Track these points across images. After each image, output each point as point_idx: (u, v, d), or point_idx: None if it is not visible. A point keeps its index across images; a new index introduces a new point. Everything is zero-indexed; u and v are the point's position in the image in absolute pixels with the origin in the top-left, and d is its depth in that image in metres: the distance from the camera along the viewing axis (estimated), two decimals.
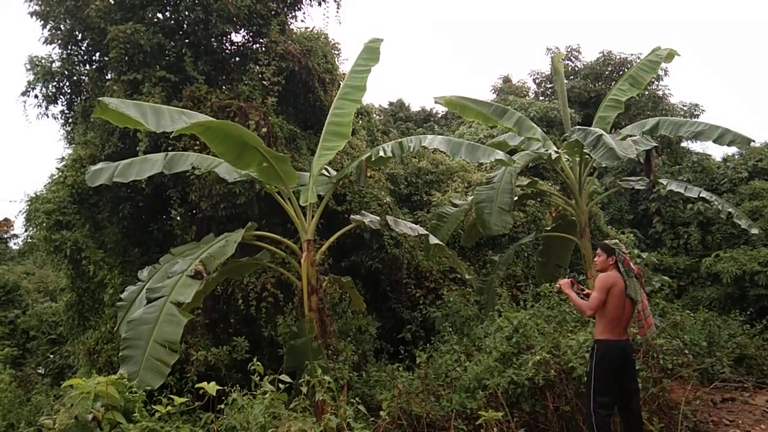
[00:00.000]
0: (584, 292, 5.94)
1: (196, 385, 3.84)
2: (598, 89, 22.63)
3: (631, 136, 9.69)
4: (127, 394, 3.81)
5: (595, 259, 5.46)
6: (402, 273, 11.40)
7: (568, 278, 5.57)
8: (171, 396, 4.74)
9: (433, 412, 6.11)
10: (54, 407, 3.83)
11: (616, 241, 5.72)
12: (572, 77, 23.79)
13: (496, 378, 6.24)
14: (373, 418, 4.48)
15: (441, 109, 26.94)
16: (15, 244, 33.81)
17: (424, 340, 10.08)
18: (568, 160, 10.25)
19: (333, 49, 11.47)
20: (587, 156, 9.62)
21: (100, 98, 5.55)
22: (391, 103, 27.60)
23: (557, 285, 5.58)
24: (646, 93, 22.14)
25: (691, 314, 10.03)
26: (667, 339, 7.27)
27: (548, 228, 11.73)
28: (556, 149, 9.87)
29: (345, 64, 11.77)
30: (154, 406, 3.71)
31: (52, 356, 16.72)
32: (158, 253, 10.04)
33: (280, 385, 3.91)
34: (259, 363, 4.10)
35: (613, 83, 23.57)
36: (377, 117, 15.79)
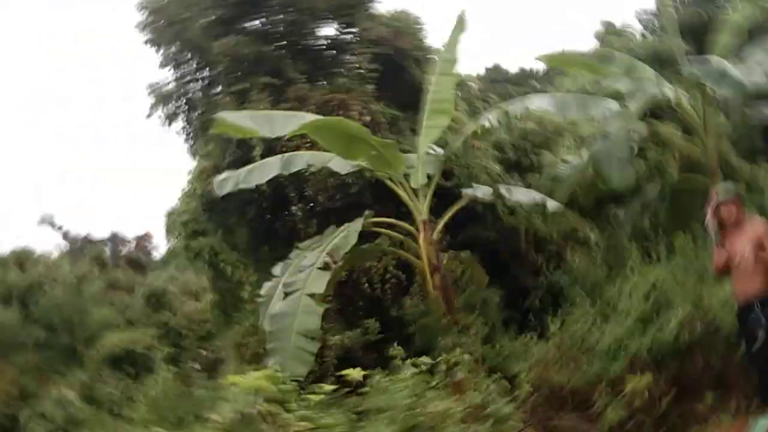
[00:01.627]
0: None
1: (340, 372, 4.07)
2: (710, 12, 20.55)
3: (753, 57, 8.76)
4: (282, 385, 4.11)
5: (727, 211, 4.73)
6: (520, 241, 11.19)
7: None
8: (316, 383, 5.07)
9: (574, 379, 6.02)
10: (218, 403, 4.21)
11: (729, 184, 5.03)
12: (677, 5, 21.77)
13: (637, 339, 6.00)
14: (516, 392, 4.51)
15: (540, 67, 25.85)
16: (158, 254, 37.22)
17: (552, 307, 9.88)
18: (688, 97, 9.47)
19: (419, 25, 11.37)
20: (709, 90, 8.85)
21: (217, 114, 5.97)
22: (487, 69, 26.93)
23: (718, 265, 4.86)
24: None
25: None
26: None
27: (673, 175, 10.95)
28: (670, 87, 9.15)
29: (433, 38, 11.64)
30: (308, 395, 3.98)
31: (204, 352, 18.31)
32: (285, 248, 10.62)
33: (422, 366, 4.05)
34: (399, 347, 4.25)
35: (727, 3, 21.37)
36: (474, 85, 15.46)
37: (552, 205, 7.70)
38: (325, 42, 10.87)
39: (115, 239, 35.45)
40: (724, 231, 4.86)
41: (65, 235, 33.79)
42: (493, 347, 7.64)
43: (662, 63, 16.12)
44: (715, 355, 5.79)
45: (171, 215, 11.12)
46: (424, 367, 4.03)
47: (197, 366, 17.11)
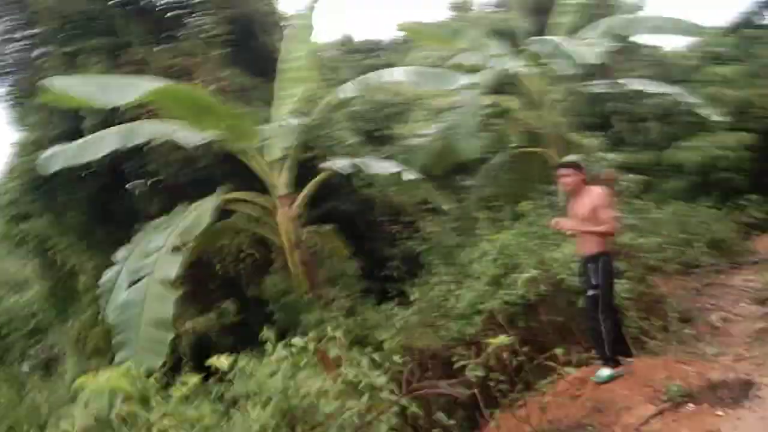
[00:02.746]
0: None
1: (207, 362, 3.76)
2: None
3: (585, 39, 9.60)
4: (138, 382, 3.71)
5: (564, 181, 5.14)
6: (376, 212, 11.35)
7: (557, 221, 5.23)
8: (170, 374, 4.68)
9: (434, 344, 6.21)
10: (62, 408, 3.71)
11: (572, 156, 5.53)
12: None
13: (490, 301, 6.33)
14: (386, 363, 4.50)
15: (388, 38, 26.14)
16: None
17: (409, 275, 10.17)
18: (527, 72, 10.12)
19: None
20: (545, 66, 9.51)
21: (43, 81, 5.16)
22: (336, 40, 26.65)
23: (563, 227, 5.23)
24: None
25: (661, 208, 10.30)
26: (646, 237, 7.46)
27: (514, 145, 11.73)
28: (514, 63, 9.71)
29: (284, 3, 11.23)
30: (171, 390, 3.64)
31: (34, 351, 16.42)
32: (124, 230, 9.71)
33: (294, 346, 3.87)
34: (266, 329, 4.03)
35: None
36: (326, 54, 15.24)
37: (407, 175, 7.80)
38: (168, 1, 9.94)
39: None
40: (568, 197, 5.26)
41: None
42: (356, 319, 7.66)
43: (505, 37, 17.14)
44: (558, 311, 6.29)
45: None
46: (294, 349, 3.85)
47: (26, 368, 15.28)
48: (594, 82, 10.91)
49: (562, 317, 6.24)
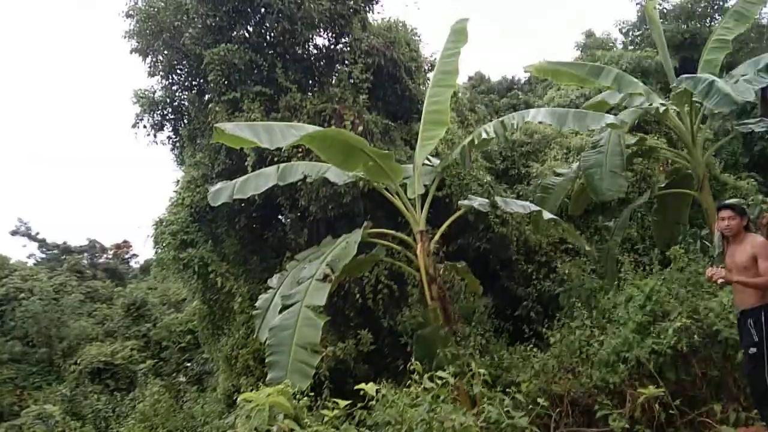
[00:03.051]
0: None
1: (356, 387, 4.02)
2: (692, 29, 21.08)
3: (743, 75, 9.00)
4: (294, 401, 4.05)
5: (725, 224, 4.85)
6: (511, 250, 11.28)
7: (711, 270, 4.83)
8: (310, 396, 5.01)
9: (574, 390, 6.04)
10: (230, 421, 4.13)
11: (742, 200, 5.18)
12: (661, 20, 22.29)
13: (636, 349, 6.05)
14: (530, 406, 4.50)
15: (523, 76, 26.15)
16: (136, 263, 36.66)
17: (542, 316, 9.94)
18: (677, 111, 9.67)
19: (414, 36, 11.45)
20: (698, 104, 9.03)
21: (217, 125, 5.89)
22: (470, 78, 27.13)
23: (714, 278, 4.76)
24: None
25: None
26: None
27: (661, 185, 11.14)
28: (662, 102, 9.33)
29: (426, 48, 11.74)
30: (322, 411, 3.93)
31: (189, 364, 18.02)
32: (275, 258, 10.57)
33: (439, 380, 4.02)
34: (418, 362, 4.22)
35: (708, 20, 21.87)
36: (461, 94, 15.60)
37: (547, 215, 7.74)
38: (318, 51, 10.86)
39: (93, 248, 34.81)
40: (726, 243, 4.97)
41: (41, 244, 33.09)
42: (491, 358, 7.65)
43: (647, 75, 16.50)
44: (713, 365, 5.87)
45: (159, 225, 10.96)
46: (439, 381, 3.99)
47: (183, 378, 16.82)
48: (751, 120, 10.14)
49: (718, 371, 5.82)
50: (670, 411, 4.75)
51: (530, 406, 4.45)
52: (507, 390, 4.17)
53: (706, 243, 8.50)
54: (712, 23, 20.68)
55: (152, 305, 25.30)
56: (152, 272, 29.74)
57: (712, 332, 5.88)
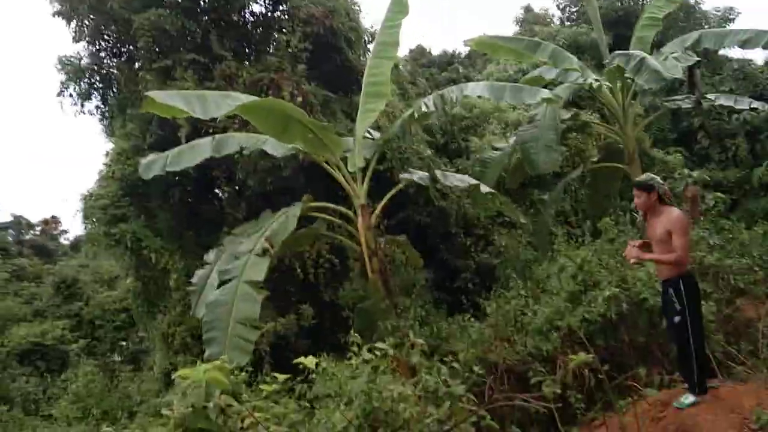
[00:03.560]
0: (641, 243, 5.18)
1: (294, 361, 3.98)
2: (625, 6, 21.63)
3: (672, 53, 9.34)
4: (232, 377, 3.97)
5: (635, 201, 5.03)
6: (451, 224, 11.44)
7: (632, 242, 5.05)
8: (251, 371, 4.94)
9: (509, 358, 6.22)
10: (167, 400, 4.02)
11: (648, 174, 5.33)
12: None
13: (567, 318, 6.27)
14: (467, 374, 4.59)
15: (463, 50, 26.25)
16: (65, 239, 35.06)
17: (480, 287, 10.18)
18: (609, 87, 9.95)
19: (353, 5, 11.24)
20: (629, 80, 9.32)
21: (147, 93, 5.62)
22: (410, 50, 26.98)
23: (629, 258, 5.00)
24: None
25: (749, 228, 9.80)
26: (735, 258, 7.15)
27: (594, 160, 11.52)
28: (596, 77, 9.57)
29: (367, 19, 11.56)
30: (261, 385, 3.88)
31: (124, 343, 17.49)
32: (211, 233, 10.30)
33: (378, 352, 4.03)
34: (356, 335, 4.21)
35: None
36: (402, 67, 15.52)
37: (485, 189, 7.86)
38: (255, 18, 10.51)
39: (19, 224, 32.97)
40: (646, 217, 5.12)
41: None
42: (431, 329, 7.77)
43: (582, 51, 16.88)
44: (639, 332, 6.16)
45: (88, 199, 10.45)
46: (378, 353, 4.00)
47: (118, 358, 16.32)
48: (679, 97, 10.57)
49: (644, 338, 6.11)
50: (599, 376, 4.93)
51: (467, 374, 4.54)
52: (444, 359, 4.23)
53: (636, 215, 8.86)
54: (645, 1, 21.29)
55: (84, 283, 24.30)
56: (83, 249, 28.56)
57: (639, 300, 6.15)
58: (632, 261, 5.07)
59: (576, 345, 6.03)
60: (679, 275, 4.79)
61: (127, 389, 10.96)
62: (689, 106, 10.17)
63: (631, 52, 8.57)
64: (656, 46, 10.88)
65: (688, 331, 4.75)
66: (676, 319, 4.85)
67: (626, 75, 8.78)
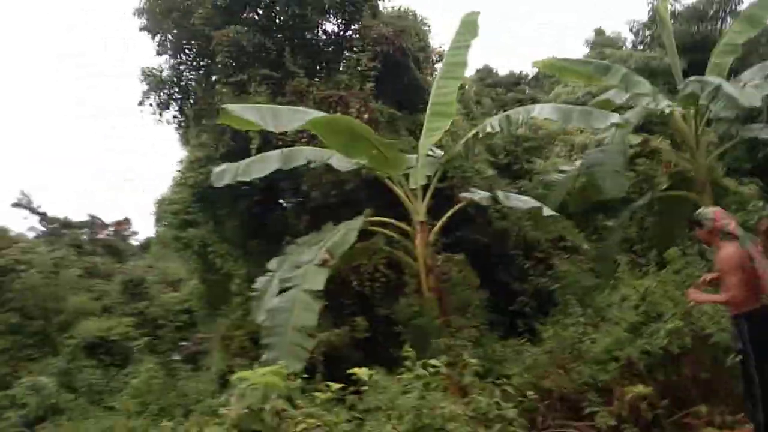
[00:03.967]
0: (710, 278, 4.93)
1: (348, 371, 4.08)
2: (702, 31, 20.92)
3: (751, 81, 8.99)
4: (288, 382, 4.11)
5: (697, 234, 4.90)
6: (510, 245, 11.33)
7: (706, 276, 4.90)
8: (303, 377, 5.07)
9: (564, 385, 6.10)
10: (223, 400, 4.20)
11: (702, 209, 5.08)
12: (672, 21, 22.14)
13: (627, 348, 6.11)
14: (519, 398, 4.57)
15: (530, 71, 26.05)
16: (135, 240, 36.77)
17: (537, 311, 9.99)
18: (682, 113, 9.67)
19: (423, 26, 11.43)
20: (704, 107, 9.03)
21: (223, 106, 5.93)
22: (477, 70, 27.02)
23: (690, 299, 4.95)
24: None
25: None
26: None
27: (662, 187, 11.15)
28: (668, 103, 9.32)
29: (435, 39, 11.73)
30: (314, 393, 4.00)
31: (184, 343, 18.12)
32: (274, 242, 10.62)
33: (431, 368, 4.08)
34: (410, 349, 4.28)
35: (719, 23, 21.71)
36: (468, 87, 15.58)
37: (548, 211, 7.78)
38: (327, 37, 10.87)
39: (93, 224, 34.83)
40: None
41: (42, 218, 33.11)
42: (484, 350, 7.72)
43: (654, 76, 16.42)
44: (703, 367, 5.92)
45: (161, 203, 11.01)
46: (431, 370, 4.05)
47: (178, 356, 16.94)
48: (757, 125, 10.14)
49: (707, 374, 5.87)
50: (657, 411, 4.79)
51: (519, 399, 4.51)
52: (497, 382, 4.22)
53: (704, 246, 8.54)
54: (723, 26, 20.52)
55: (150, 283, 25.36)
56: (152, 250, 29.84)
57: (704, 335, 5.92)
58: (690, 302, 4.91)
59: (634, 377, 5.87)
60: (738, 313, 4.61)
61: (184, 388, 11.35)
62: (767, 136, 9.73)
63: (706, 78, 8.32)
64: (734, 72, 10.50)
65: (752, 373, 4.54)
66: (738, 358, 4.66)
67: (700, 102, 8.52)
